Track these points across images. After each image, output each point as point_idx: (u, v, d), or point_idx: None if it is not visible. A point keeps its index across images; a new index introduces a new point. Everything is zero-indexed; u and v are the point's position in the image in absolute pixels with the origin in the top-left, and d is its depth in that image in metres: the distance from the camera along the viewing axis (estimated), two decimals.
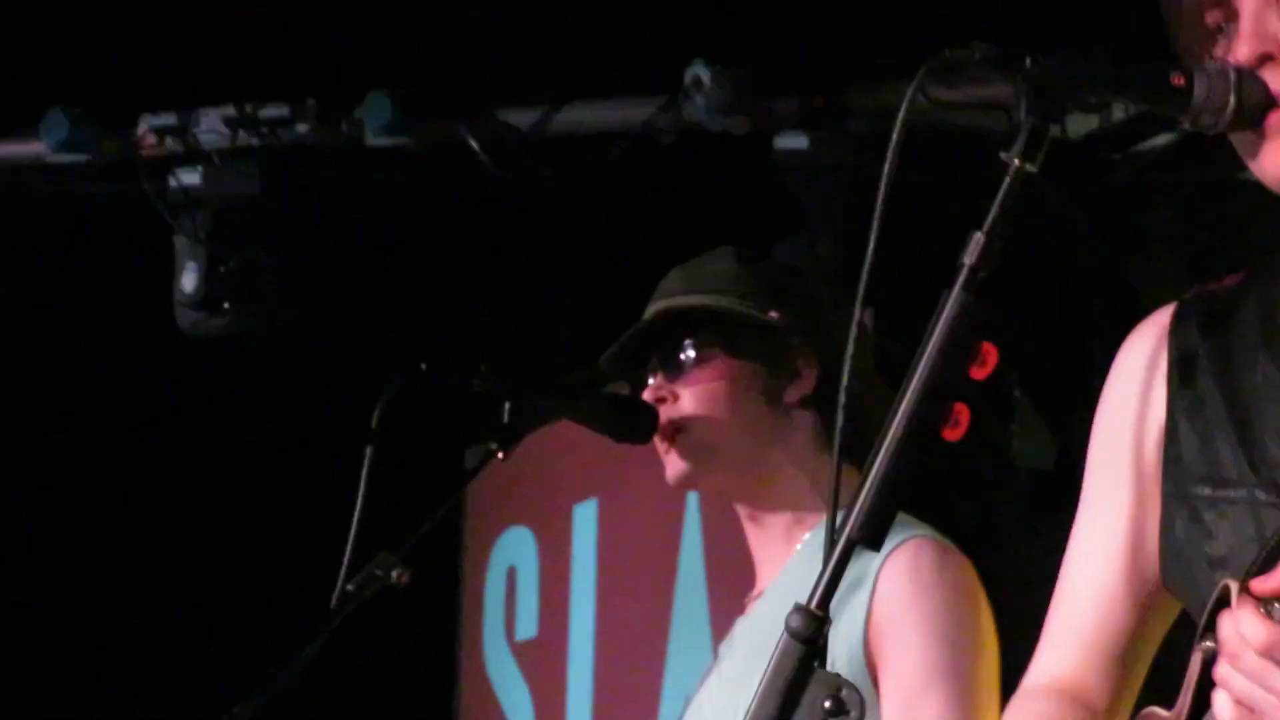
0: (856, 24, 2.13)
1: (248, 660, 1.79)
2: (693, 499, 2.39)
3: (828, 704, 0.78)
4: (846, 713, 0.80)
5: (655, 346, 1.65)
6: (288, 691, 1.47)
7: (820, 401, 1.61)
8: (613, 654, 2.68)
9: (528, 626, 2.85)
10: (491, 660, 2.93)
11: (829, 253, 1.72)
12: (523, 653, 2.86)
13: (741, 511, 1.70)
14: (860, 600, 1.50)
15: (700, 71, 1.79)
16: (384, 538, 1.52)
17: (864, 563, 1.47)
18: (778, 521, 1.65)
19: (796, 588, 0.90)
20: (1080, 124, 2.14)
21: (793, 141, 1.77)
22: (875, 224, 0.86)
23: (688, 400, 1.62)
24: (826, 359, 1.61)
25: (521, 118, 1.91)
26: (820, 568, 0.81)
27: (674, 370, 1.63)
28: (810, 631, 0.77)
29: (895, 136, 0.88)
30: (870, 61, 1.97)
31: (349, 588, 1.51)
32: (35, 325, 2.68)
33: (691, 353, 1.61)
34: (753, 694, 0.79)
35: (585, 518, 2.72)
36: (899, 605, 1.52)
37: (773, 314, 1.60)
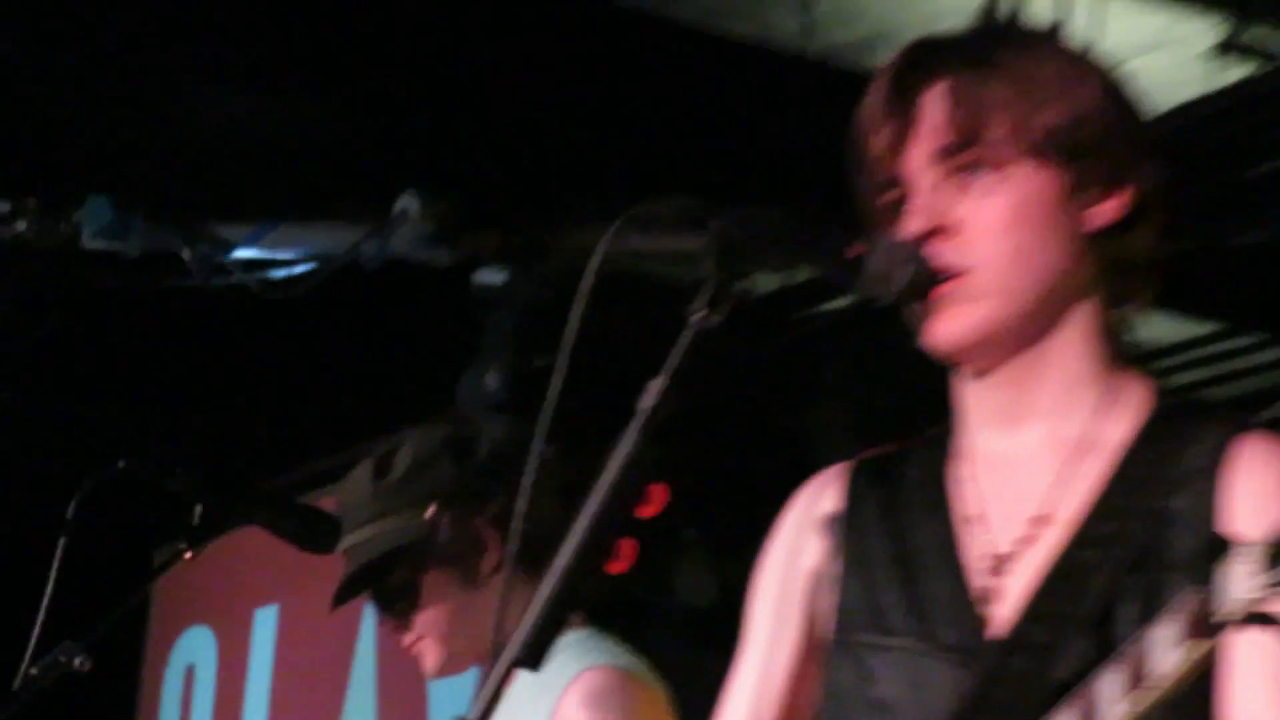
0: (571, 166, 2.40)
1: None
2: (369, 611, 2.45)
3: None
4: None
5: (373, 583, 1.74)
6: None
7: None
8: None
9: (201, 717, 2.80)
10: None
11: (499, 384, 1.86)
12: None
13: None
14: None
15: (409, 203, 1.85)
16: (70, 628, 1.55)
17: (550, 687, 1.57)
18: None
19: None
20: (767, 281, 2.45)
21: (491, 276, 1.92)
22: (562, 360, 0.88)
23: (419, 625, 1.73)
24: (505, 521, 1.68)
25: (234, 231, 1.95)
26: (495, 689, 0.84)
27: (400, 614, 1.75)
28: None
29: (587, 280, 0.91)
30: (577, 205, 2.22)
31: (33, 671, 1.50)
32: None
33: (398, 585, 1.72)
34: None
35: (265, 622, 2.76)
36: None
37: (428, 514, 1.70)
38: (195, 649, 2.92)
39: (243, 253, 1.87)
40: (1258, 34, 2.14)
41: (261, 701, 2.77)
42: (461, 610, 1.73)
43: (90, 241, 1.73)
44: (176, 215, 1.97)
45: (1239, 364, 2.57)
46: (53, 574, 1.56)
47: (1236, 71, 2.16)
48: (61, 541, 1.55)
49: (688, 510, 2.31)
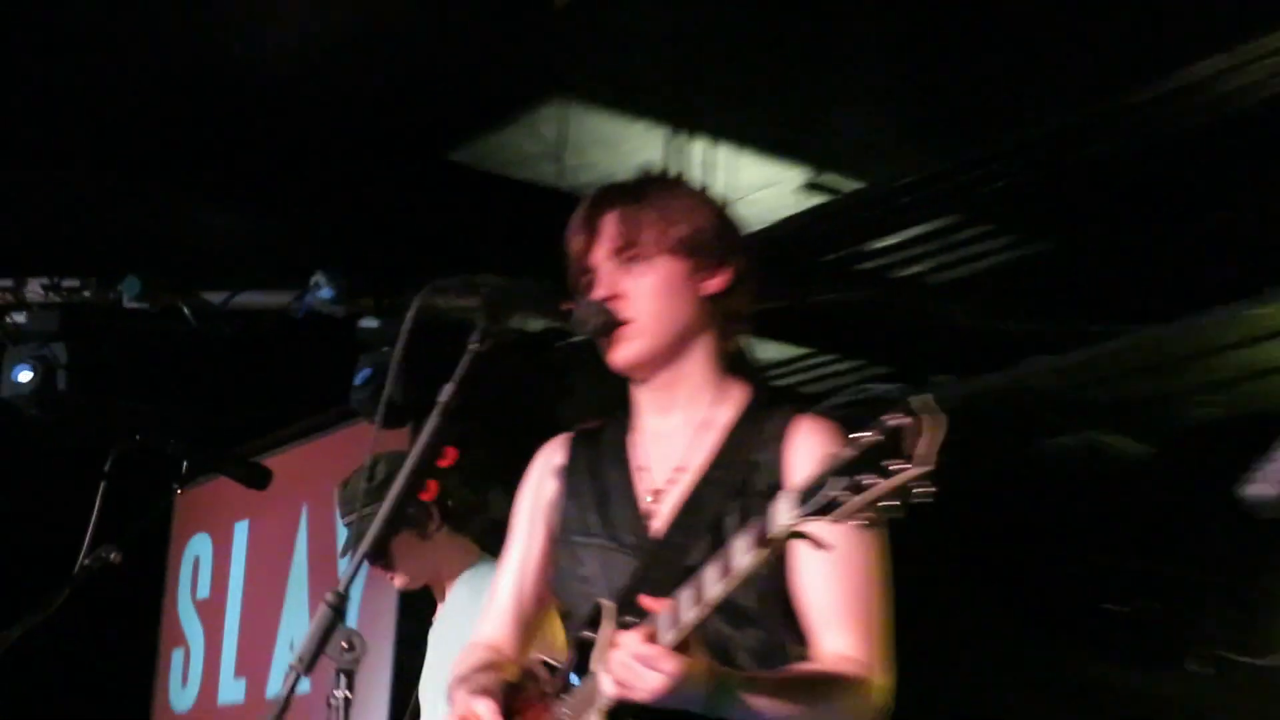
0: (421, 256, 3.75)
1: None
2: (303, 519, 3.89)
3: (344, 643, 1.20)
4: (354, 649, 1.24)
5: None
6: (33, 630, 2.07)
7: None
8: (250, 612, 4.11)
9: (204, 590, 4.28)
10: (182, 613, 4.33)
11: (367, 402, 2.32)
12: (200, 607, 4.30)
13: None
14: None
15: (320, 277, 2.29)
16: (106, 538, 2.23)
17: (471, 614, 2.09)
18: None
19: (450, 615, 2.09)
20: (535, 322, 3.79)
21: (369, 323, 2.35)
22: (392, 374, 1.43)
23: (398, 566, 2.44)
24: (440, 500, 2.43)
25: (214, 296, 2.38)
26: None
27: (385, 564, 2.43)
28: (337, 603, 1.21)
29: (407, 324, 1.35)
30: (423, 279, 3.55)
31: (85, 561, 2.15)
32: None
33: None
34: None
35: (240, 530, 4.15)
36: None
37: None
38: (199, 547, 4.33)
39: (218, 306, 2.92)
40: (830, 179, 3.55)
41: (239, 581, 4.15)
42: (419, 555, 2.44)
43: (128, 303, 2.32)
44: (179, 286, 2.36)
45: (818, 374, 3.99)
46: (97, 505, 2.17)
47: (818, 199, 3.59)
48: (102, 485, 2.22)
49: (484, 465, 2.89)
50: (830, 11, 2.99)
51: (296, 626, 3.68)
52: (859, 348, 4.11)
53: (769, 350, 3.82)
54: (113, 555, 2.11)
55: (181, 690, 4.37)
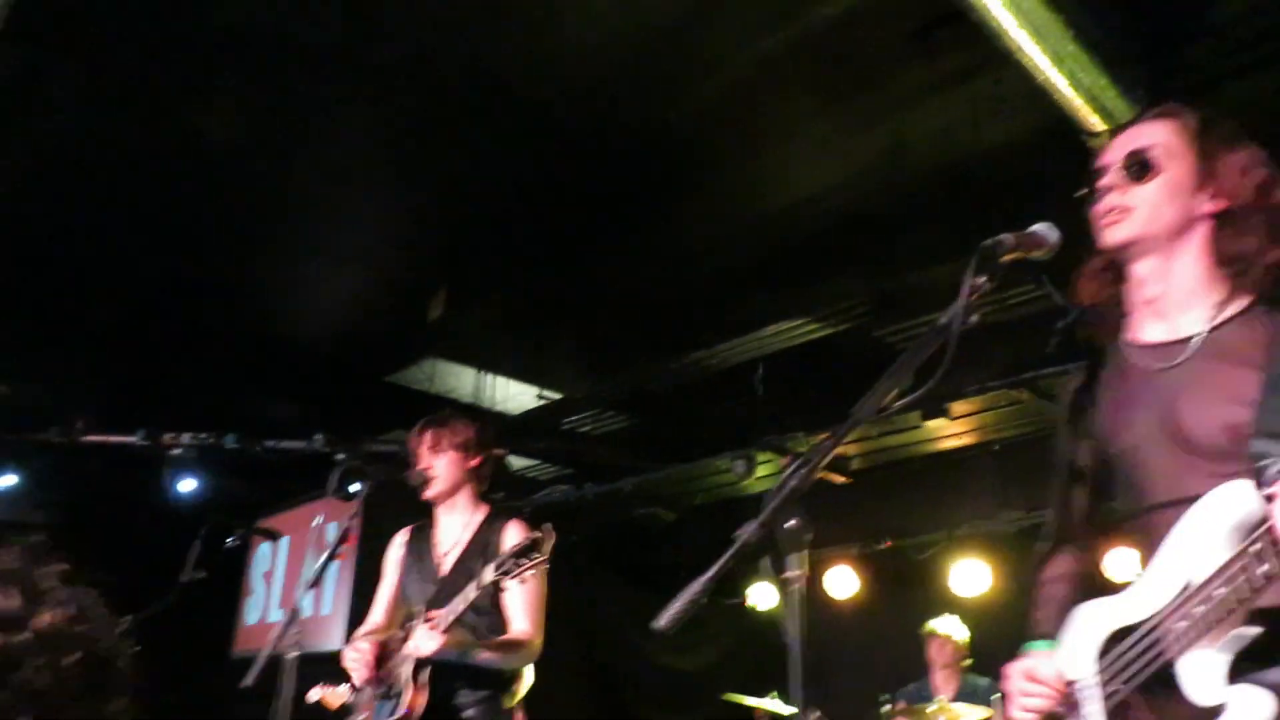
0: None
1: None
2: (285, 544, 8.25)
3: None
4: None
5: None
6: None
7: None
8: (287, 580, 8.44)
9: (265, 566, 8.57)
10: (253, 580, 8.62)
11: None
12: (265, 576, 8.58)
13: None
14: None
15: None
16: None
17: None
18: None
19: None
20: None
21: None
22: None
23: None
24: None
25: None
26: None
27: None
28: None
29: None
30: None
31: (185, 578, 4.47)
32: None
33: None
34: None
35: (283, 544, 8.52)
36: None
37: None
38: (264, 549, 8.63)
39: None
40: (547, 393, 8.32)
41: (282, 565, 8.44)
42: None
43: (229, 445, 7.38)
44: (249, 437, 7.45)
45: (544, 476, 8.85)
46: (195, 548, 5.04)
47: (543, 401, 8.37)
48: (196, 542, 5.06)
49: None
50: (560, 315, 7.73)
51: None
52: (571, 464, 8.83)
53: (518, 462, 8.57)
54: (201, 573, 4.21)
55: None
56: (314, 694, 4.28)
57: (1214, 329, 1.75)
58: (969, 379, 6.29)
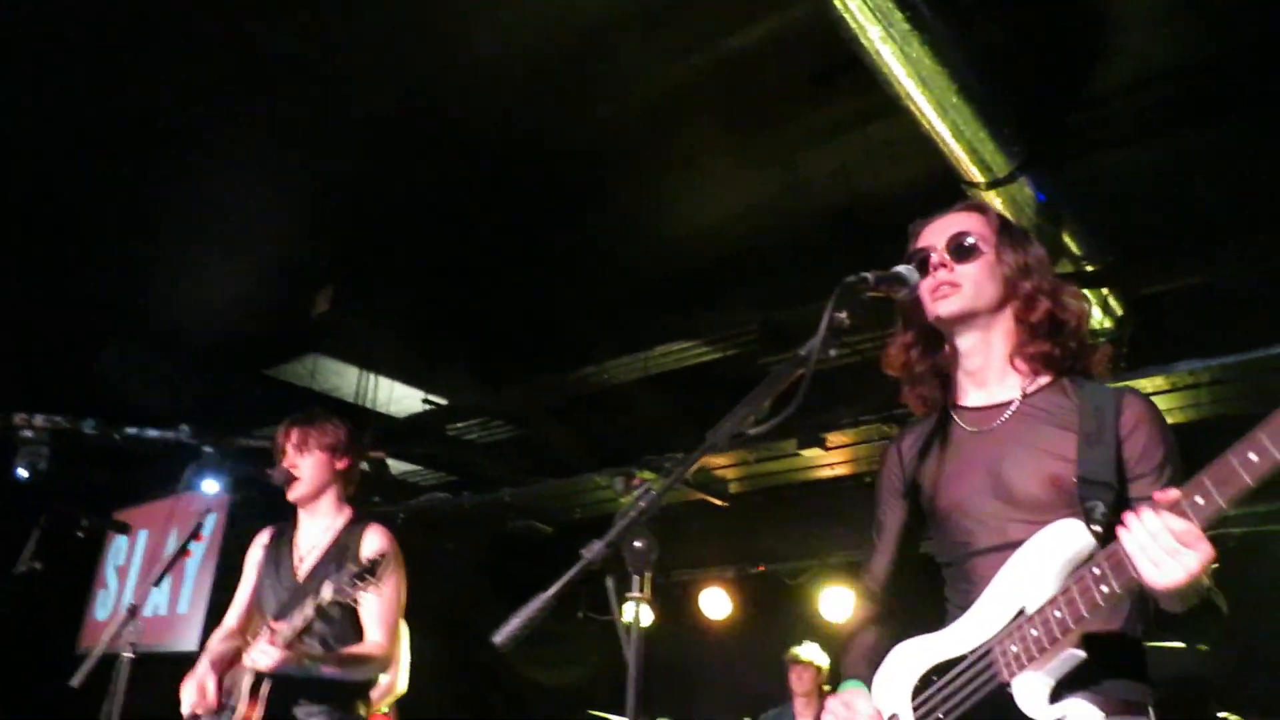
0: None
1: None
2: (143, 538, 7.93)
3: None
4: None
5: None
6: None
7: None
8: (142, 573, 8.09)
9: (120, 560, 8.17)
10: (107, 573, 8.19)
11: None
12: (118, 570, 8.19)
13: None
14: None
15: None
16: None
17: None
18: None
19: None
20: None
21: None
22: None
23: None
24: None
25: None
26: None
27: None
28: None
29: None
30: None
31: (21, 567, 3.76)
32: None
33: None
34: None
35: (140, 538, 8.16)
36: None
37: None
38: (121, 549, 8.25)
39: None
40: (434, 398, 8.25)
41: (139, 559, 8.09)
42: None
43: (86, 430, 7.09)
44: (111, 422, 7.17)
45: (421, 480, 8.77)
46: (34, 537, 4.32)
47: (428, 406, 8.29)
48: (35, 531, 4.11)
49: None
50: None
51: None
52: (454, 471, 8.74)
53: (399, 467, 8.44)
54: (36, 564, 3.72)
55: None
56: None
57: (1026, 396, 1.95)
58: (845, 413, 6.48)
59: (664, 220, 5.89)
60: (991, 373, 2.00)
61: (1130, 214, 5.24)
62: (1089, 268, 4.97)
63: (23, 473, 3.10)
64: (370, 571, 2.90)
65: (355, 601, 2.97)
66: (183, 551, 3.14)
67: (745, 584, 8.40)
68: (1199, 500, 1.46)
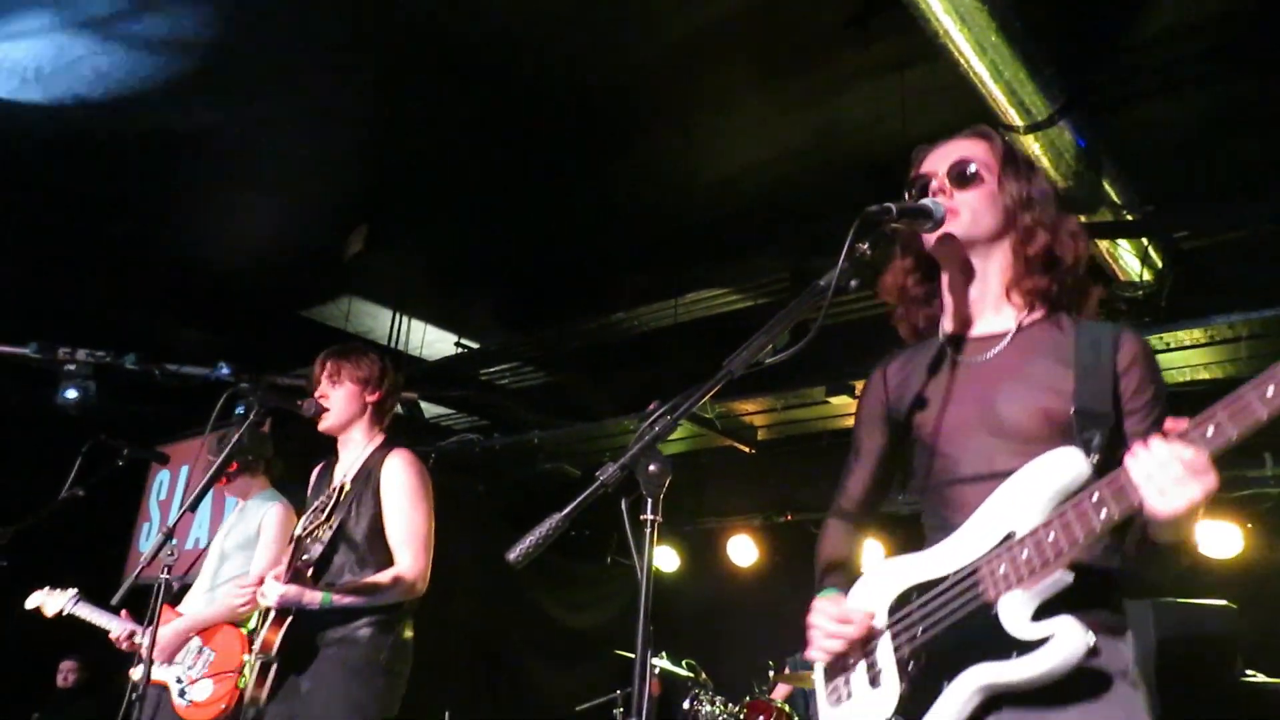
0: None
1: None
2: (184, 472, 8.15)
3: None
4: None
5: None
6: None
7: None
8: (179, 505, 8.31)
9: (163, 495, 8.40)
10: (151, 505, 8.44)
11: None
12: (160, 504, 8.42)
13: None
14: None
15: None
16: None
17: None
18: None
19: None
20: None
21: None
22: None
23: None
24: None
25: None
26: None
27: None
28: None
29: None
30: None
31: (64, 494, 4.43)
32: None
33: None
34: None
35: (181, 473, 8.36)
36: None
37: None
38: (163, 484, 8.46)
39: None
40: (466, 341, 8.31)
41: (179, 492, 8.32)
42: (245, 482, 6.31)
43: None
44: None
45: (453, 422, 8.86)
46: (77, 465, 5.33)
47: (461, 350, 8.35)
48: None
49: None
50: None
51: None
52: (484, 415, 8.84)
53: (431, 409, 8.54)
54: (79, 491, 4.01)
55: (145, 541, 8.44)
56: (33, 600, 4.39)
57: (1022, 328, 1.93)
58: (874, 362, 6.46)
59: (696, 165, 5.85)
60: (987, 304, 1.98)
61: (1171, 164, 5.14)
62: (1129, 217, 4.89)
63: (72, 394, 3.17)
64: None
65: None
66: (216, 479, 3.21)
67: (773, 532, 8.45)
68: (1209, 432, 1.47)
